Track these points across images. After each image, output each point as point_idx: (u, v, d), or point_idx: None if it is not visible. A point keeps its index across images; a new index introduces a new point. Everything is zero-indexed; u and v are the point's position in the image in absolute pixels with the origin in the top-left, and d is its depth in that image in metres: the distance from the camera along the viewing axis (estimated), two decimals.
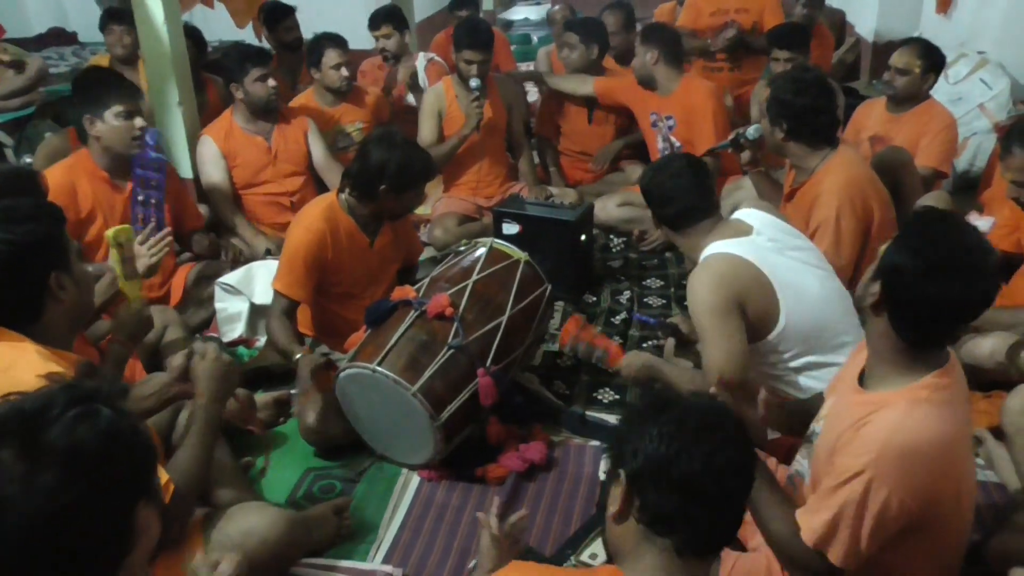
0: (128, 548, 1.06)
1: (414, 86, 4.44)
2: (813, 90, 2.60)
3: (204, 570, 1.33)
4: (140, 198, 2.91)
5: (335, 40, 3.92)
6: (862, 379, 1.57)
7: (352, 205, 2.65)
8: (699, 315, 2.04)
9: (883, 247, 1.52)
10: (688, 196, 2.19)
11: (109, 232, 2.13)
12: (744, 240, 2.10)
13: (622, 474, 1.19)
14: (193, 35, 4.01)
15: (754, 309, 2.04)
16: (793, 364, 2.11)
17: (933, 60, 3.37)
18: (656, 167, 2.34)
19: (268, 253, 3.39)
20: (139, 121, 2.85)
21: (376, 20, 4.52)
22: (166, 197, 3.04)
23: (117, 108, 2.81)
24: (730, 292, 2.01)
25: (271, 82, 3.52)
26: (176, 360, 1.83)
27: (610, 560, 1.30)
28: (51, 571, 0.98)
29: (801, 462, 1.74)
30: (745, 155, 2.87)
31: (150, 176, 2.90)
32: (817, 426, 1.68)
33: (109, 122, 2.82)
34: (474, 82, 3.69)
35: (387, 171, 2.54)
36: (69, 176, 2.86)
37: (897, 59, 3.38)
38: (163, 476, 1.57)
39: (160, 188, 2.92)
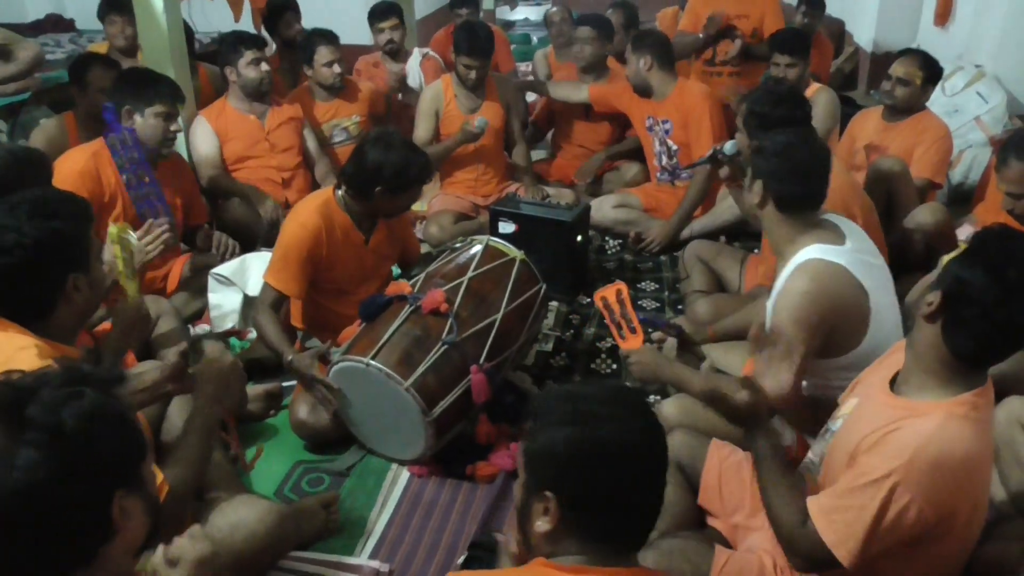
0: (105, 536, 1.06)
1: (404, 89, 4.45)
2: (789, 101, 2.59)
3: (163, 568, 1.21)
4: (132, 187, 2.90)
5: (326, 37, 3.92)
6: (892, 383, 1.56)
7: (348, 202, 2.64)
8: (785, 320, 1.90)
9: (946, 257, 1.50)
10: (815, 182, 2.03)
11: (112, 228, 2.13)
12: (843, 249, 1.97)
13: (551, 496, 1.15)
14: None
15: (844, 328, 1.93)
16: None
17: (933, 71, 3.38)
18: (793, 141, 2.10)
19: (262, 245, 3.38)
20: (175, 125, 2.96)
21: (387, 12, 4.53)
22: (178, 191, 3.10)
23: (159, 108, 2.90)
24: (829, 308, 1.89)
25: (264, 66, 3.58)
26: (171, 357, 1.79)
27: None
28: (24, 550, 0.99)
29: (811, 459, 1.74)
30: (723, 171, 2.84)
31: (127, 152, 2.89)
32: (835, 424, 1.67)
33: (148, 119, 2.89)
34: (481, 121, 3.71)
35: (383, 173, 2.53)
36: (94, 162, 2.87)
37: (898, 69, 3.39)
38: (158, 476, 1.54)
39: (142, 163, 2.91)
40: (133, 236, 2.25)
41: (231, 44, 3.60)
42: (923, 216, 3.11)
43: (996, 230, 1.51)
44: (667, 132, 3.85)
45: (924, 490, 1.38)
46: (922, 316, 1.46)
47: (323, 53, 3.88)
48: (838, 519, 1.44)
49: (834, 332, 1.92)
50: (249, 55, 3.55)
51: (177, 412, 2.09)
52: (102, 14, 4.27)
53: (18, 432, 0.98)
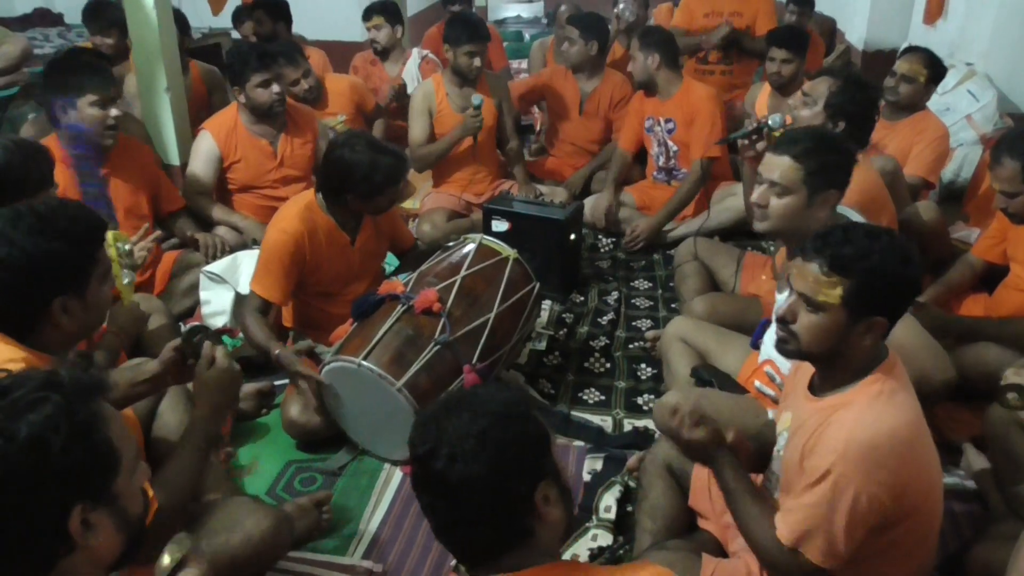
0: (62, 550, 1.03)
1: (401, 97, 4.42)
2: (873, 93, 2.65)
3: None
4: (84, 186, 2.81)
5: (287, 55, 3.67)
6: (812, 388, 1.60)
7: (328, 205, 2.62)
8: None
9: (827, 294, 1.47)
10: None
11: (108, 235, 2.12)
12: None
13: None
14: (176, 19, 3.95)
15: None
16: None
17: (936, 71, 3.37)
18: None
19: (254, 242, 3.35)
20: (114, 111, 2.78)
21: (369, 11, 4.51)
22: (141, 181, 3.00)
23: (91, 97, 2.73)
24: None
25: (275, 87, 3.27)
26: (166, 354, 1.78)
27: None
28: None
29: (773, 472, 1.74)
30: (761, 145, 2.78)
31: (77, 148, 2.78)
32: (780, 441, 1.69)
33: (83, 110, 2.74)
34: (476, 99, 3.66)
35: (351, 178, 2.48)
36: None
37: (903, 66, 3.37)
38: (148, 492, 1.48)
39: (91, 159, 2.80)
40: (128, 241, 2.35)
41: (238, 64, 3.30)
42: (916, 215, 3.11)
43: (832, 231, 1.51)
44: (669, 132, 3.83)
45: (866, 475, 1.40)
46: (867, 345, 1.50)
47: (287, 74, 3.65)
48: (793, 520, 1.48)
49: None
50: (256, 78, 3.23)
51: (169, 409, 2.07)
52: (84, 23, 4.20)
53: None
